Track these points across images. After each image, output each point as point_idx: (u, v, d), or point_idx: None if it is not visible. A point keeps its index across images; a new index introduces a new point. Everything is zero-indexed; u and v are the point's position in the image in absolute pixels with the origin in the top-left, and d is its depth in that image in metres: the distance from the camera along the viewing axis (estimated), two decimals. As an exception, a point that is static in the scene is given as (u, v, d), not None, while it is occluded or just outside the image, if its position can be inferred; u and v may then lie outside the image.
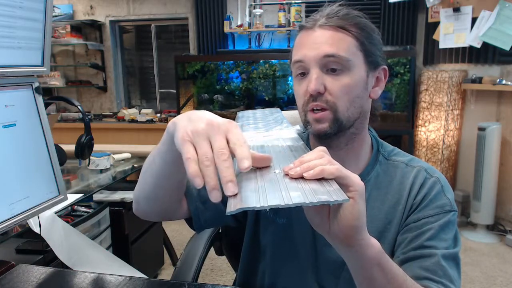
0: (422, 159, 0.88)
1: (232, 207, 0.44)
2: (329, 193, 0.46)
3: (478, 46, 3.07)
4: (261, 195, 0.46)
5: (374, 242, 0.56)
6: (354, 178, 0.51)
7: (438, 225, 0.73)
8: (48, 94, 4.28)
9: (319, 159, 0.52)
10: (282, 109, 0.99)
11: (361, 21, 0.75)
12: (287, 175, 0.51)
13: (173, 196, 0.74)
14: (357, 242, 0.53)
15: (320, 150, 0.54)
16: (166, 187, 0.69)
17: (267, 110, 0.95)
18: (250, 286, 0.90)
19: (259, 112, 0.94)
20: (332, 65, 0.73)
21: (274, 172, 0.53)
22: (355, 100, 0.75)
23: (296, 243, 0.81)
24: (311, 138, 0.84)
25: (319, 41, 0.73)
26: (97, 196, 1.99)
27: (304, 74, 0.76)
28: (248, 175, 0.51)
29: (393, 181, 0.79)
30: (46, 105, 0.97)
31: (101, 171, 1.99)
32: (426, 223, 0.73)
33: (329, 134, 0.75)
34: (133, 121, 3.84)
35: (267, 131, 0.75)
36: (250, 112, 0.94)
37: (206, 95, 3.60)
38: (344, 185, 0.50)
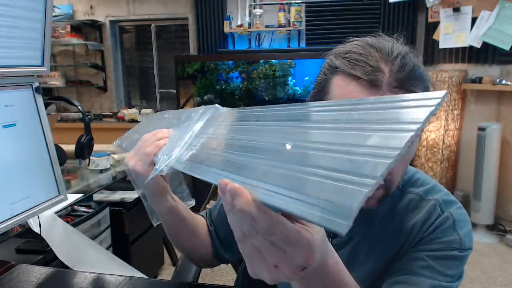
0: (422, 160, 0.84)
1: None
2: None
3: (478, 46, 3.07)
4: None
5: None
6: None
7: (441, 255, 0.64)
8: (48, 94, 4.27)
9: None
10: None
11: (423, 74, 0.66)
12: None
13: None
14: None
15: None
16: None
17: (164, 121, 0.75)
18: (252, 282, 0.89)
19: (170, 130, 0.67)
20: None
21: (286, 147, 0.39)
22: (407, 166, 0.69)
23: None
24: None
25: None
26: (97, 196, 1.99)
27: None
28: None
29: (404, 218, 0.71)
30: (46, 105, 0.97)
31: (101, 171, 1.99)
32: (426, 255, 0.65)
33: (374, 209, 0.69)
34: (133, 121, 3.83)
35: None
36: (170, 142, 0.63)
37: (209, 96, 3.60)
38: None
